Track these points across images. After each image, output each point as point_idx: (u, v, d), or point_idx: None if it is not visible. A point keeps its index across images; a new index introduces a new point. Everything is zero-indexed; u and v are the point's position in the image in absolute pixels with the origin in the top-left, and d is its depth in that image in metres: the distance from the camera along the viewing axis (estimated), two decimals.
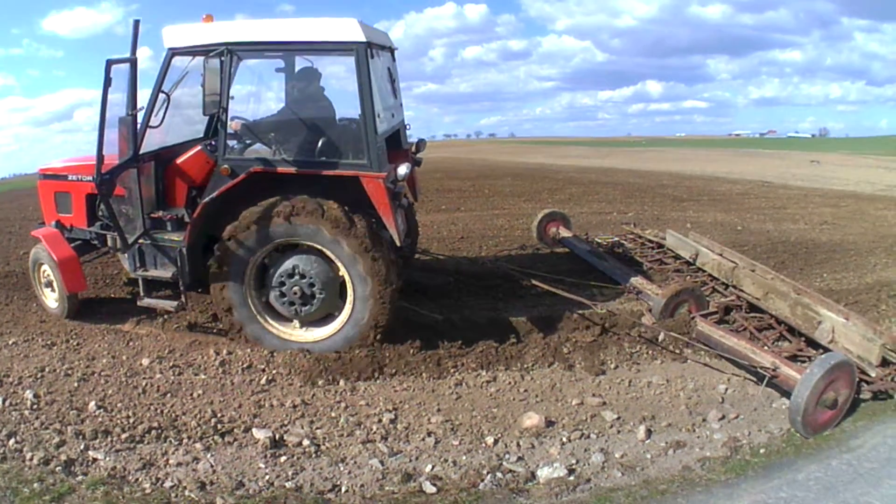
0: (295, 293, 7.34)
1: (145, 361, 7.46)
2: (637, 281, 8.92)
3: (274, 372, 7.10)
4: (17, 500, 4.93)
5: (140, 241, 7.85)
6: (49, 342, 8.16)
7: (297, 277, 7.32)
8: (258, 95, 8.66)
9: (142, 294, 8.19)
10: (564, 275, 9.73)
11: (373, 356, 7.13)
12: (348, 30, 6.92)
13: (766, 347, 7.00)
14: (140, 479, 5.24)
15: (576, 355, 7.32)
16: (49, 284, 9.04)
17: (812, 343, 7.21)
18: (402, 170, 7.15)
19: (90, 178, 7.90)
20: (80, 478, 5.24)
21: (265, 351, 7.40)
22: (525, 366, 7.19)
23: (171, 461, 5.49)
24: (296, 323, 7.64)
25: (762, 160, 45.17)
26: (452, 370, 7.09)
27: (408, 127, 9.15)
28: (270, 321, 7.67)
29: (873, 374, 6.40)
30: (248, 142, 7.65)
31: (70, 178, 8.91)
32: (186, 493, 5.10)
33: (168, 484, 5.20)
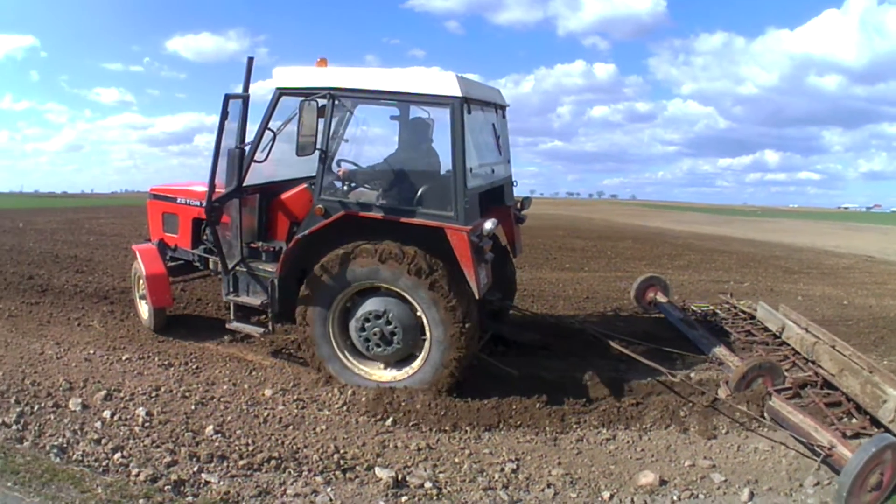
0: (375, 334, 7.29)
1: (268, 392, 7.30)
2: (720, 351, 8.75)
3: (397, 414, 6.83)
4: None
5: (237, 267, 7.99)
6: (166, 362, 8.12)
7: (378, 319, 7.28)
8: (380, 141, 8.85)
9: (231, 317, 8.29)
10: (654, 340, 9.49)
11: (498, 407, 6.98)
12: (445, 83, 6.93)
13: (832, 425, 6.72)
14: None
15: (691, 419, 7.10)
16: (144, 297, 9.36)
17: (877, 422, 6.90)
18: (488, 225, 7.02)
19: (198, 203, 8.51)
20: (189, 498, 5.03)
21: (391, 392, 7.12)
22: (644, 426, 7.03)
23: (288, 491, 5.21)
24: (380, 364, 7.58)
25: (867, 234, 44.11)
26: (575, 426, 6.97)
27: (515, 184, 9.13)
28: (351, 359, 7.61)
29: None
30: (352, 185, 7.66)
31: (179, 200, 9.32)
32: None
33: None
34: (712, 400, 7.23)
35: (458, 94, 6.77)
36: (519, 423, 6.84)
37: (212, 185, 7.40)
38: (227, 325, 8.31)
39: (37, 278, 12.66)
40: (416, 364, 7.32)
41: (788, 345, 9.17)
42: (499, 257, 8.75)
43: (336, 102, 7.25)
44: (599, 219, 49.44)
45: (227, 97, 7.21)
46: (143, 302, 9.43)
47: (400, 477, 5.51)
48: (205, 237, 8.99)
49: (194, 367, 8.05)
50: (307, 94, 7.05)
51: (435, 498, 5.34)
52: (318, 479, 5.41)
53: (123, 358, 8.14)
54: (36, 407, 6.40)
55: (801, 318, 9.66)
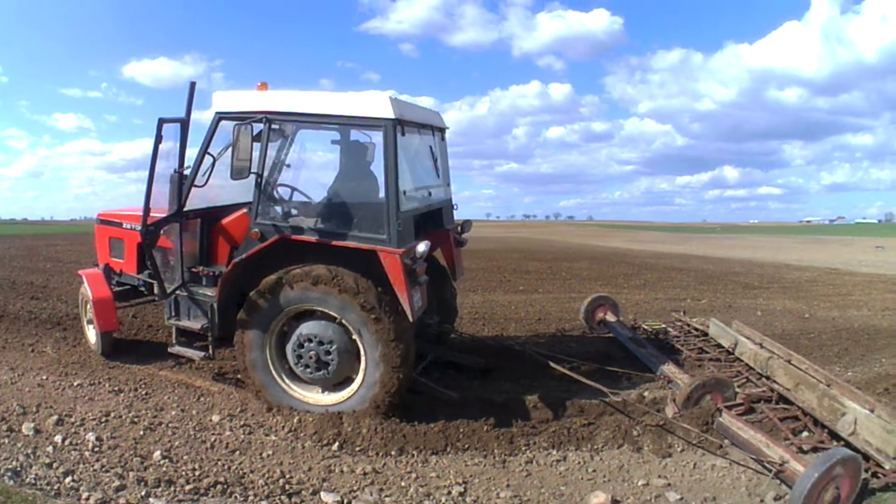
0: (311, 358, 7.33)
1: (215, 418, 7.34)
2: (669, 369, 8.85)
3: (343, 439, 6.88)
4: None
5: (177, 292, 8.05)
6: (116, 388, 8.17)
7: (313, 343, 7.32)
8: (327, 166, 8.79)
9: (173, 341, 8.37)
10: (603, 359, 9.68)
11: (445, 430, 7.01)
12: (378, 106, 7.02)
13: (786, 440, 6.83)
14: None
15: (644, 438, 7.11)
16: (91, 321, 9.46)
17: (835, 435, 6.97)
18: (421, 247, 7.08)
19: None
20: None
21: (337, 417, 7.16)
22: (595, 446, 7.04)
23: None
24: (318, 388, 7.63)
25: (830, 247, 45.65)
26: (524, 448, 6.96)
27: (455, 207, 9.26)
28: (290, 384, 7.65)
29: (887, 467, 6.17)
30: (293, 210, 7.87)
31: (125, 225, 9.32)
32: None
33: None
34: (661, 419, 7.29)
35: (391, 115, 6.87)
36: (467, 445, 6.87)
37: (146, 210, 7.44)
38: (169, 349, 8.38)
39: None
40: (353, 386, 7.36)
41: (742, 360, 9.28)
42: (438, 280, 9.00)
43: (273, 126, 7.33)
44: (556, 240, 50.52)
45: (161, 121, 7.25)
46: (91, 326, 9.54)
47: (345, 502, 5.58)
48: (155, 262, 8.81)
49: (143, 392, 8.09)
50: (245, 118, 7.13)
51: None
52: (263, 503, 5.45)
53: (75, 384, 8.19)
54: None
55: (755, 334, 9.76)
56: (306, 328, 7.35)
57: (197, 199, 7.75)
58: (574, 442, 7.08)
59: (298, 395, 7.58)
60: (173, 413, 7.43)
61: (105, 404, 7.53)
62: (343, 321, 7.18)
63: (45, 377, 8.39)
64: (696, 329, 11.24)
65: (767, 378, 8.47)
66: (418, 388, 7.97)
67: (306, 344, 7.32)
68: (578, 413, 7.79)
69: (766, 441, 6.27)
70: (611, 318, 11.41)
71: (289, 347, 7.47)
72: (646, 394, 8.40)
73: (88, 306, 9.34)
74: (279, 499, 5.55)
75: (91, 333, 9.69)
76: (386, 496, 5.81)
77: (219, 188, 7.89)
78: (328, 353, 7.28)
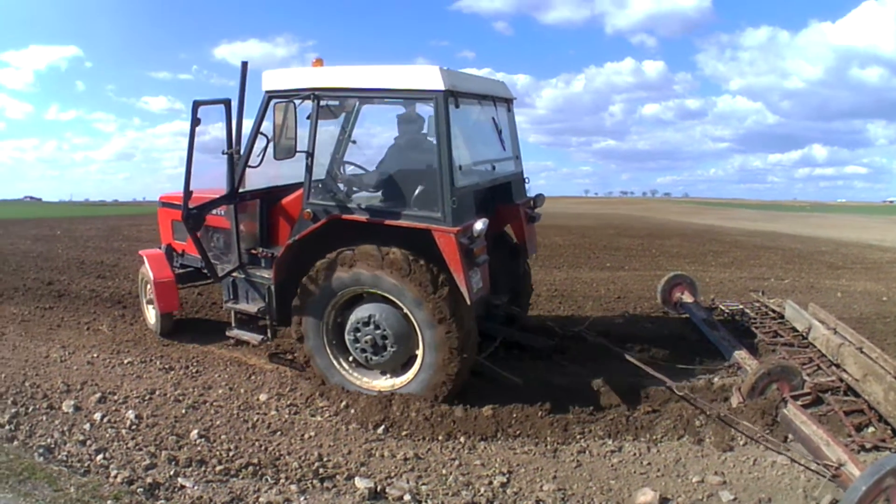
0: (368, 342, 7.08)
1: (263, 397, 7.24)
2: (739, 354, 8.37)
3: (390, 422, 6.66)
4: None
5: (234, 274, 8.04)
6: (167, 366, 8.16)
7: (370, 327, 7.07)
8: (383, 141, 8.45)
9: (232, 325, 8.35)
10: (675, 342, 9.36)
11: (497, 415, 6.67)
12: (428, 78, 6.70)
13: (848, 437, 6.31)
14: None
15: (706, 429, 6.65)
16: (151, 302, 9.58)
17: None
18: (479, 225, 6.69)
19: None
20: (161, 502, 4.94)
21: (386, 400, 6.93)
22: (654, 437, 6.61)
23: (261, 499, 5.04)
24: (378, 372, 7.40)
25: None
26: (578, 436, 6.57)
27: (527, 181, 8.84)
28: (349, 369, 7.46)
29: None
30: (346, 189, 7.49)
31: None
32: None
33: None
34: (725, 409, 6.84)
35: (441, 87, 6.55)
36: (518, 432, 6.54)
37: (187, 193, 7.35)
38: (227, 333, 8.35)
39: (56, 284, 12.90)
40: (413, 370, 7.11)
41: (815, 346, 8.78)
42: (510, 258, 8.72)
43: (321, 103, 7.13)
44: (651, 217, 49.81)
45: (196, 104, 7.15)
46: (150, 306, 9.56)
47: (379, 488, 5.32)
48: (212, 244, 8.84)
49: (193, 370, 8.05)
50: (294, 95, 6.95)
51: None
52: (293, 487, 5.25)
53: (125, 361, 8.20)
54: (31, 408, 6.48)
55: (830, 318, 9.22)
56: (362, 311, 7.12)
57: (257, 179, 7.72)
58: (632, 431, 6.67)
59: (359, 380, 7.37)
60: (220, 392, 7.37)
61: (152, 382, 7.50)
62: (398, 303, 6.95)
63: (96, 355, 8.40)
64: (773, 311, 10.78)
65: (837, 366, 7.94)
66: (484, 371, 7.71)
67: (362, 328, 7.09)
68: (644, 400, 7.40)
69: (827, 439, 5.82)
70: (687, 298, 11.07)
71: (346, 332, 7.26)
72: (715, 380, 7.88)
73: (149, 287, 9.38)
74: (311, 483, 5.37)
75: (150, 314, 9.72)
76: (423, 484, 5.54)
77: (284, 167, 7.60)
78: (384, 336, 7.03)
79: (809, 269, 18.87)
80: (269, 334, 8.01)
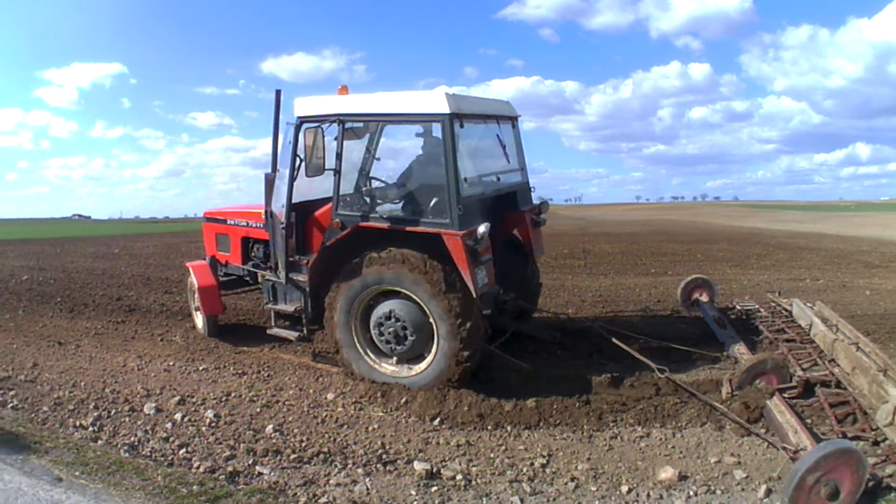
0: (391, 333, 7.86)
1: (330, 396, 7.83)
2: (738, 349, 8.95)
3: (445, 414, 7.22)
4: (173, 498, 5.24)
5: (272, 278, 9.01)
6: (240, 371, 8.78)
7: (391, 320, 7.84)
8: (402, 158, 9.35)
9: (272, 324, 9.24)
10: (686, 339, 9.64)
11: (539, 406, 7.30)
12: (434, 102, 7.54)
13: (832, 427, 6.55)
14: (298, 494, 5.44)
15: (734, 415, 7.01)
16: (198, 308, 10.60)
17: None
18: (481, 229, 7.42)
19: (245, 223, 9.89)
20: (241, 486, 5.53)
21: (441, 395, 7.51)
22: (679, 424, 7.13)
23: (331, 482, 5.65)
24: (401, 361, 8.10)
25: None
26: (612, 424, 7.18)
27: (532, 190, 9.62)
28: (376, 359, 8.20)
29: None
30: (370, 200, 8.21)
31: (229, 222, 10.38)
32: None
33: (323, 500, 5.36)
34: (716, 399, 7.31)
35: (447, 111, 7.36)
36: (558, 421, 7.13)
37: (289, 207, 8.29)
38: (268, 331, 9.23)
39: (125, 299, 13.67)
40: (429, 359, 7.82)
41: (815, 342, 9.09)
42: (518, 259, 9.51)
43: (346, 126, 8.02)
44: (701, 222, 49.81)
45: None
46: (198, 312, 10.53)
47: (434, 470, 5.89)
48: (252, 253, 10.01)
49: (265, 374, 8.66)
50: (322, 120, 7.94)
51: (463, 488, 5.68)
52: (360, 470, 5.85)
53: (200, 368, 8.85)
54: (113, 411, 7.17)
55: (833, 315, 9.56)
56: (386, 307, 7.88)
57: (294, 193, 8.37)
58: (660, 419, 7.21)
59: (384, 369, 8.11)
60: (291, 392, 7.98)
61: (227, 385, 8.12)
62: (416, 299, 7.67)
63: (172, 363, 9.07)
64: (785, 310, 11.10)
65: (832, 361, 8.24)
66: (496, 360, 8.29)
67: (385, 322, 7.86)
68: (673, 392, 7.79)
69: (797, 427, 6.15)
70: (704, 298, 11.53)
71: (372, 325, 8.01)
72: (713, 373, 8.43)
73: (196, 294, 10.28)
74: (375, 466, 5.95)
75: (199, 319, 10.73)
76: (473, 466, 6.11)
77: (316, 183, 8.36)
78: (405, 328, 7.78)
79: (847, 268, 19.01)
80: (305, 331, 8.84)
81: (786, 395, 7.08)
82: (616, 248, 24.59)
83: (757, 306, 11.67)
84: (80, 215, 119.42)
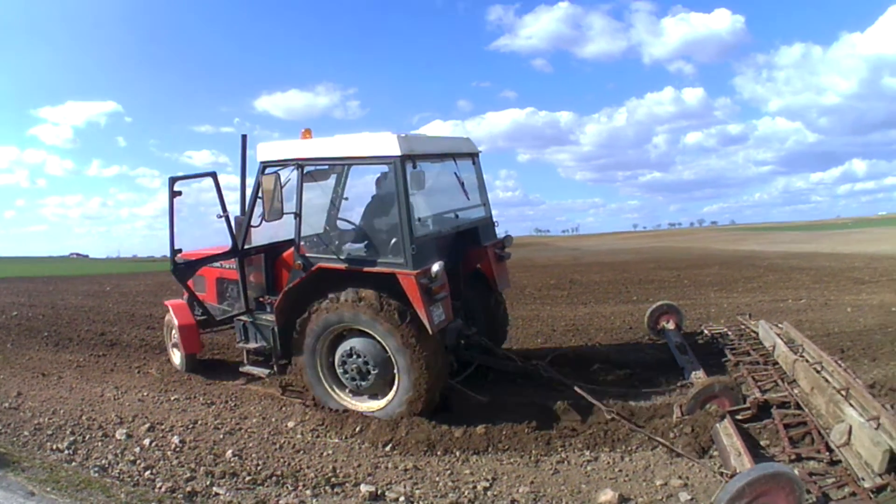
0: (354, 369, 8.15)
1: (291, 424, 8.18)
2: (696, 375, 8.94)
3: (396, 441, 7.50)
4: None
5: (243, 318, 9.39)
6: (209, 401, 9.17)
7: (354, 357, 8.14)
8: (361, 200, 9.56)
9: (245, 362, 9.67)
10: (652, 366, 10.02)
11: (489, 433, 7.46)
12: (386, 144, 7.76)
13: (784, 449, 6.56)
14: None
15: (679, 440, 7.02)
16: (176, 345, 10.96)
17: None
18: (435, 267, 7.59)
19: (218, 264, 9.91)
20: None
21: (394, 423, 7.77)
22: (629, 448, 7.18)
23: (280, 501, 6.03)
24: (366, 396, 8.37)
25: None
26: (560, 449, 7.25)
27: (496, 224, 9.76)
28: (342, 395, 8.50)
29: (866, 485, 5.57)
30: (329, 243, 8.69)
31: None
32: None
33: None
34: (664, 425, 7.34)
35: (398, 153, 7.61)
36: (507, 446, 7.27)
37: (172, 251, 8.80)
38: (240, 369, 9.69)
39: (108, 334, 14.16)
40: (392, 392, 8.09)
41: (778, 364, 9.08)
42: (484, 293, 9.68)
43: (305, 170, 8.26)
44: (696, 247, 49.85)
45: (172, 180, 8.49)
46: (175, 349, 10.91)
47: (379, 492, 6.19)
48: (227, 294, 10.31)
49: (232, 404, 9.03)
50: (282, 164, 8.27)
51: None
52: (308, 492, 6.20)
53: (172, 398, 9.26)
54: (87, 436, 7.65)
55: (798, 336, 9.64)
56: (348, 345, 8.17)
57: (261, 237, 8.90)
58: (609, 444, 7.26)
59: (351, 403, 8.39)
60: (254, 420, 8.35)
61: (195, 414, 8.53)
62: (373, 334, 7.94)
63: (146, 393, 9.52)
64: (753, 332, 11.20)
65: (793, 382, 8.20)
66: (455, 392, 8.54)
67: (348, 359, 8.17)
68: (628, 416, 7.79)
69: (740, 450, 6.12)
70: (669, 325, 11.73)
71: (336, 363, 8.33)
72: (670, 399, 8.46)
73: (174, 332, 10.72)
74: (324, 488, 6.29)
75: (176, 355, 11.07)
76: (417, 488, 6.35)
77: (287, 224, 8.59)
78: (366, 363, 8.07)
79: (836, 286, 19.13)
80: (275, 369, 9.11)
81: (738, 417, 7.16)
82: (605, 277, 24.79)
83: (725, 329, 11.83)
84: (78, 254, 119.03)
